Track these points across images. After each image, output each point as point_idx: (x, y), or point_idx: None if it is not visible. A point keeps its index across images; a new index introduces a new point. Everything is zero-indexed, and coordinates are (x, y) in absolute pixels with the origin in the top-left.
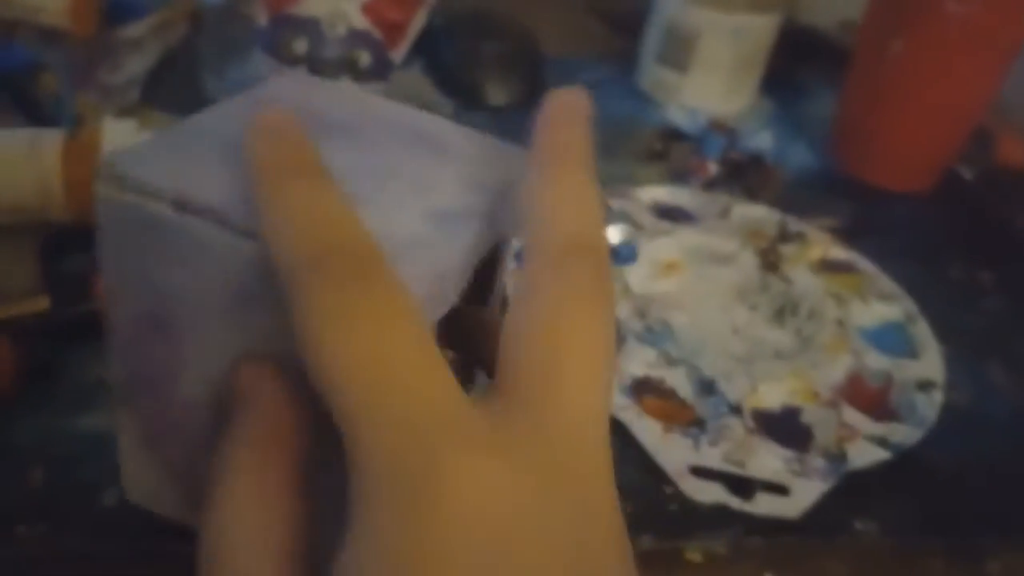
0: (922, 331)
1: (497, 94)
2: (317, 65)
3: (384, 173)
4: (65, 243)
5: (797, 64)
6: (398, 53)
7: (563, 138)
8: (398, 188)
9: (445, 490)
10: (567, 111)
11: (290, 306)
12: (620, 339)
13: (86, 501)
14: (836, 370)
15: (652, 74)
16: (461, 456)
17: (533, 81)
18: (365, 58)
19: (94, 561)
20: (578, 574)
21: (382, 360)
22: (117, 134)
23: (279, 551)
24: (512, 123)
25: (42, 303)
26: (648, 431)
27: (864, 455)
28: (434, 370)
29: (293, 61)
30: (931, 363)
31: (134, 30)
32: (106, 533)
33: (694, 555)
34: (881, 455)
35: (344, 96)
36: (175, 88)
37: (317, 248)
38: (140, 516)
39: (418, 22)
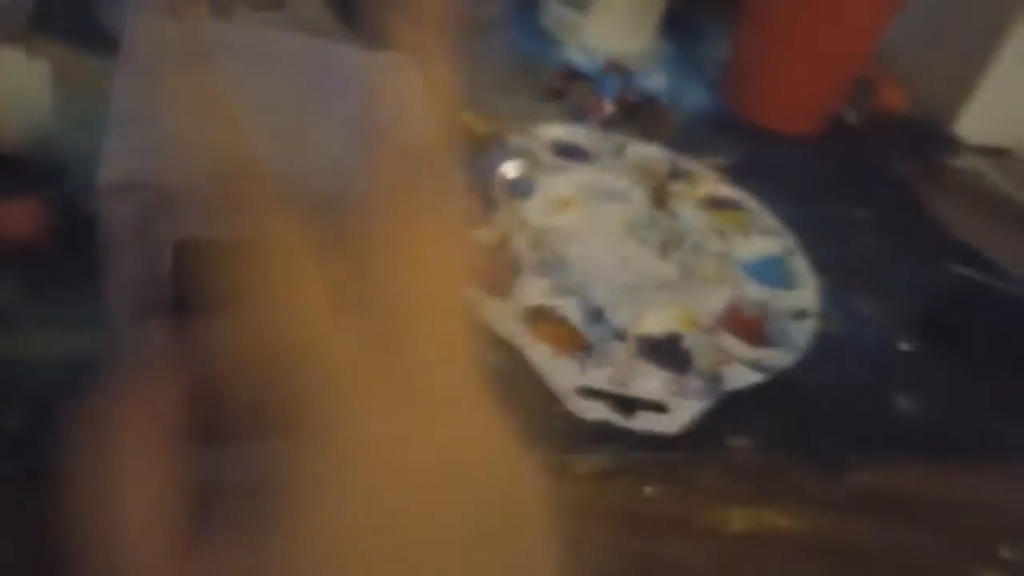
0: (799, 265)
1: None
2: None
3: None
4: None
5: (696, 6)
6: None
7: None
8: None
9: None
10: None
11: None
12: (517, 269)
13: None
14: (716, 300)
15: (554, 12)
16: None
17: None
18: None
19: None
20: (452, 492)
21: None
22: (5, 63)
23: (155, 499)
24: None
25: None
26: (540, 355)
27: (739, 377)
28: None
29: None
30: (806, 294)
31: None
32: (5, 457)
33: (580, 468)
34: (754, 378)
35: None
36: (65, 16)
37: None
38: (41, 441)
39: None
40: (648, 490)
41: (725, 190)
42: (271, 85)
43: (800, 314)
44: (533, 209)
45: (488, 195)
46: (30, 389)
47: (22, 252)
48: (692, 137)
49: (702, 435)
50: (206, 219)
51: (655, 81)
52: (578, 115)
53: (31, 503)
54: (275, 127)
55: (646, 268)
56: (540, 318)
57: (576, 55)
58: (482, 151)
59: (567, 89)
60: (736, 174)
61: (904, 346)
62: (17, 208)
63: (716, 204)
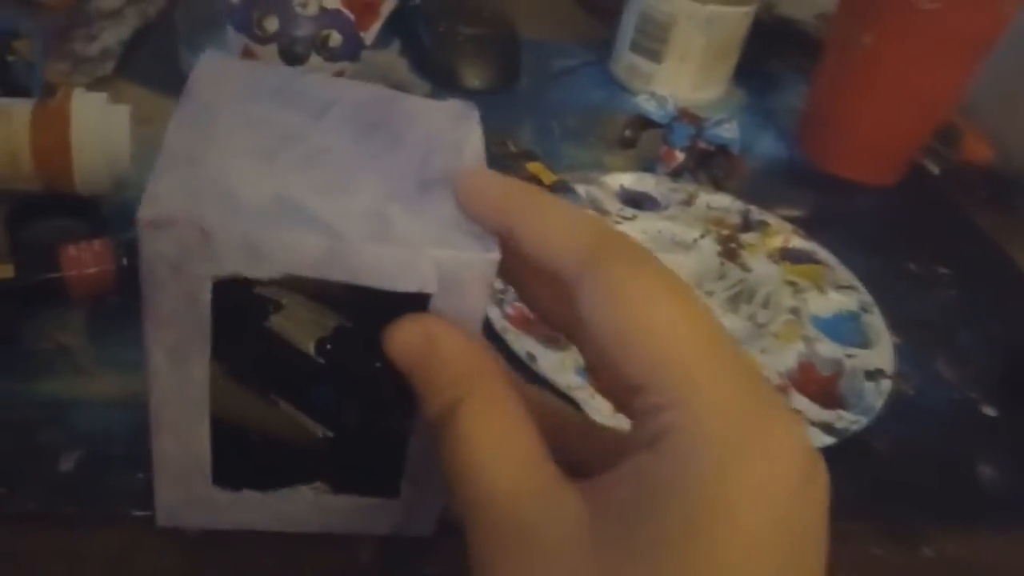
0: (876, 322)
1: (473, 77)
2: (287, 43)
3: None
4: (31, 211)
5: (771, 55)
6: (369, 34)
7: (506, 183)
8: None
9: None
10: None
11: (581, 293)
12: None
13: (44, 466)
14: (787, 357)
15: (626, 61)
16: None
17: (509, 65)
18: (336, 38)
19: (51, 524)
20: None
21: (707, 334)
22: (86, 104)
23: (533, 458)
24: (488, 106)
25: (7, 270)
26: (601, 411)
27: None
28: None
29: (264, 39)
30: (882, 353)
31: (111, 2)
32: (63, 497)
33: None
34: (826, 440)
35: (273, 75)
36: (150, 62)
37: (597, 239)
38: (97, 482)
39: (390, 3)
40: None
41: (799, 242)
42: (327, 130)
43: (875, 374)
44: None
45: None
46: (88, 430)
47: (89, 293)
48: (765, 187)
49: None
50: (246, 259)
51: (727, 130)
52: (648, 164)
53: (86, 544)
54: (322, 170)
55: None
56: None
57: (646, 104)
58: None
59: (637, 138)
60: (810, 226)
61: (987, 410)
62: (87, 249)
63: (790, 257)
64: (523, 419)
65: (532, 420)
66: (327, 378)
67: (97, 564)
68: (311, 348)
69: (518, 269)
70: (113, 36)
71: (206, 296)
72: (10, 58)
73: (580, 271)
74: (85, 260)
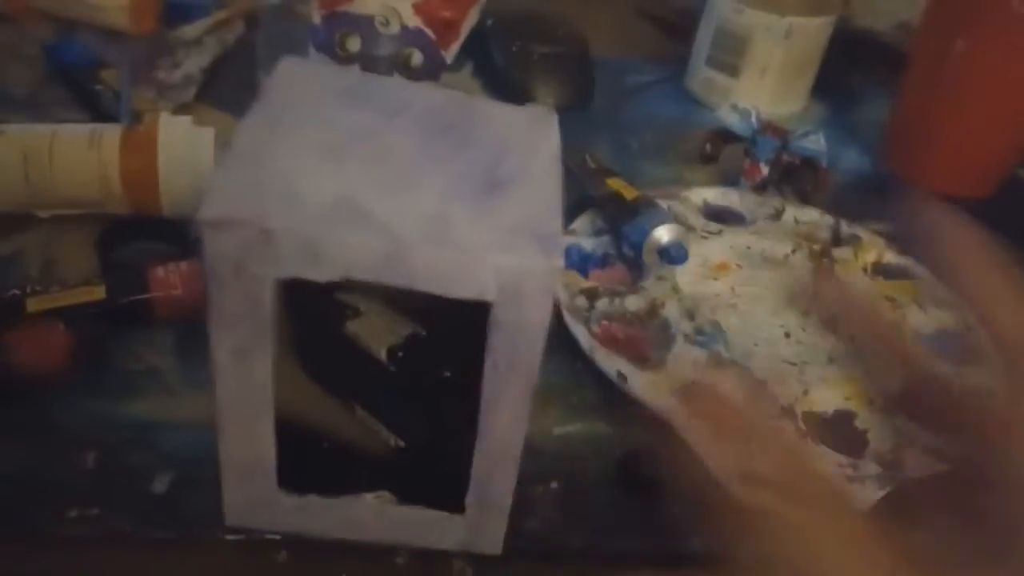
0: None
1: (547, 96)
2: (370, 63)
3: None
4: (121, 234)
5: (851, 67)
6: (450, 52)
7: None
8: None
9: None
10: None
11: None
12: (670, 339)
13: (136, 487)
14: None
15: (702, 76)
16: None
17: (583, 83)
18: (417, 57)
19: (143, 546)
20: None
21: None
22: (172, 129)
23: None
24: (563, 124)
25: (98, 292)
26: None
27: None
28: None
29: (347, 59)
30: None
31: (192, 30)
32: (155, 519)
33: (744, 560)
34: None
35: (352, 78)
36: (231, 86)
37: None
38: (188, 504)
39: (470, 21)
40: None
41: (893, 257)
42: (398, 130)
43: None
44: (686, 275)
45: (638, 261)
46: (178, 452)
47: (178, 314)
48: (852, 201)
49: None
50: (307, 260)
51: (813, 143)
52: (730, 178)
53: (178, 567)
54: (388, 169)
55: (812, 340)
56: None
57: (728, 117)
58: (632, 217)
59: (718, 152)
60: (900, 241)
61: None
62: (176, 270)
63: (885, 272)
64: None
65: None
66: (398, 386)
67: None
68: (383, 355)
69: None
70: (194, 63)
71: (268, 297)
72: (98, 87)
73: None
74: (173, 281)
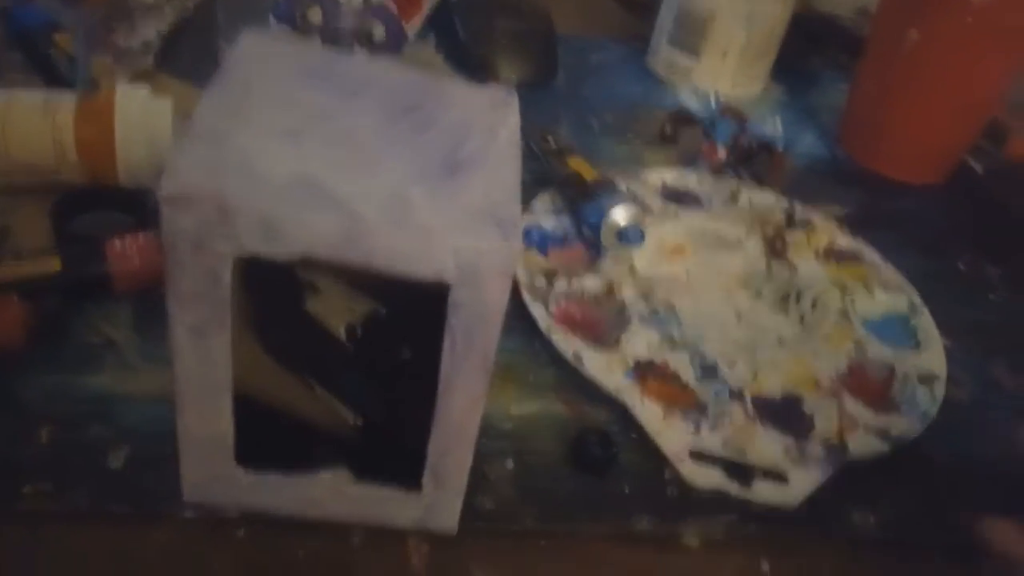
0: (926, 323)
1: (510, 71)
2: (331, 36)
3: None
4: (77, 204)
5: (810, 51)
6: (412, 26)
7: None
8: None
9: None
10: None
11: None
12: (625, 320)
13: (92, 462)
14: (838, 360)
15: (664, 56)
16: None
17: (546, 60)
18: (379, 30)
19: (99, 521)
20: None
21: None
22: (130, 99)
23: None
24: (525, 101)
25: (53, 264)
26: (649, 414)
27: (864, 446)
28: None
29: (308, 31)
30: (934, 356)
31: None
32: (112, 494)
33: (691, 540)
34: (881, 447)
35: (314, 56)
36: (190, 54)
37: None
38: (146, 480)
39: None
40: (765, 566)
41: (845, 241)
42: (359, 110)
43: (928, 378)
44: (642, 257)
45: (597, 242)
46: (135, 427)
47: (136, 287)
48: (807, 185)
49: (823, 508)
50: (265, 238)
51: (770, 127)
52: (688, 160)
53: (135, 542)
54: (348, 150)
55: (763, 322)
56: (649, 373)
57: (688, 99)
58: (591, 196)
59: (678, 133)
60: (855, 224)
61: None
62: (133, 243)
63: (836, 256)
64: None
65: None
66: (356, 364)
67: (146, 561)
68: (342, 332)
69: None
70: (153, 29)
71: (227, 275)
72: (52, 52)
73: None
74: (130, 254)
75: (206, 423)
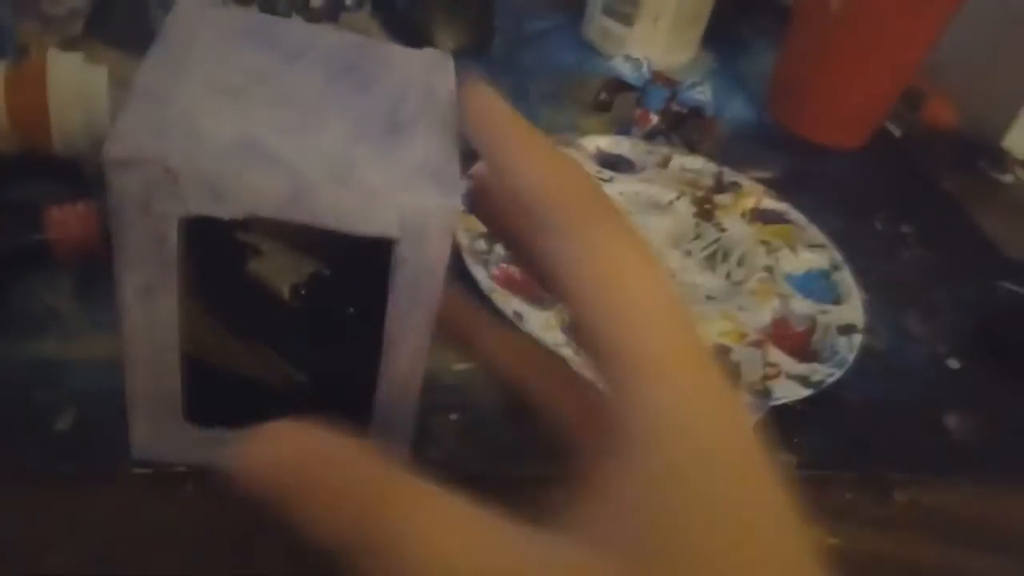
0: (846, 279)
1: (446, 39)
2: (269, 4)
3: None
4: (10, 173)
5: (739, 20)
6: None
7: (503, 113)
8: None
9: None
10: (491, 98)
11: (562, 244)
12: None
13: (40, 425)
14: (763, 313)
15: (598, 24)
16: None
17: (483, 27)
18: None
19: (50, 481)
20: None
21: (679, 320)
22: (63, 65)
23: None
24: (462, 68)
25: None
26: (585, 366)
27: (787, 392)
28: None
29: None
30: (853, 309)
31: None
32: (61, 456)
33: None
34: (803, 393)
35: (249, 19)
36: (120, 21)
37: (586, 192)
38: (93, 440)
39: None
40: None
41: (771, 203)
42: (299, 71)
43: (847, 329)
44: None
45: None
46: (81, 390)
47: (76, 255)
48: (736, 150)
49: None
50: (211, 198)
51: (701, 93)
52: (623, 127)
53: (85, 501)
54: (290, 110)
55: (692, 280)
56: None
57: (622, 67)
58: None
59: (612, 100)
60: (781, 187)
61: (953, 363)
62: (72, 211)
63: (762, 217)
64: (453, 500)
65: (473, 503)
66: (301, 323)
67: (97, 520)
68: (286, 292)
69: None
70: None
71: (173, 236)
72: None
73: (564, 222)
74: (70, 222)
75: (154, 382)
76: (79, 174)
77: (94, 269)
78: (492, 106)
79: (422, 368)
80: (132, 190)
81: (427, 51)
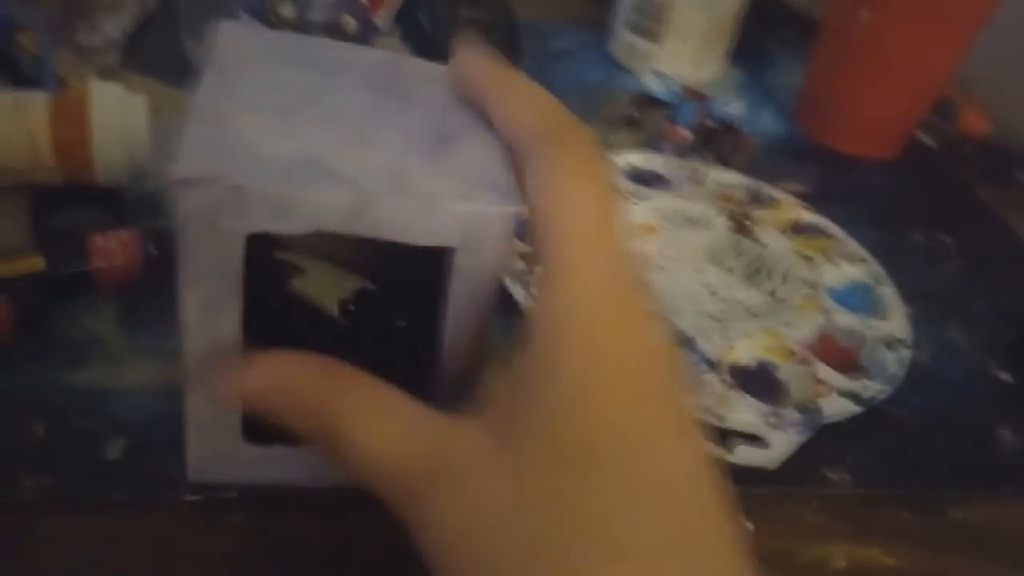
0: (888, 292)
1: None
2: (303, 29)
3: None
4: (55, 203)
5: (765, 34)
6: (383, 18)
7: (487, 66)
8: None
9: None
10: (476, 54)
11: (529, 171)
12: None
13: (88, 453)
14: (808, 329)
15: (625, 41)
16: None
17: (509, 47)
18: (351, 23)
19: (98, 511)
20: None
21: (597, 209)
22: (104, 96)
23: (396, 427)
24: None
25: (37, 262)
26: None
27: (837, 409)
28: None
29: (280, 24)
30: (897, 323)
31: None
32: (110, 484)
33: None
34: (853, 409)
35: (293, 42)
36: (155, 50)
37: (558, 125)
38: (142, 468)
39: None
40: (750, 525)
41: (808, 216)
42: (344, 89)
43: (894, 343)
44: None
45: None
46: (129, 418)
47: (118, 282)
48: (768, 164)
49: (800, 469)
50: (277, 215)
51: (732, 107)
52: (653, 142)
53: (135, 529)
54: (341, 128)
55: (734, 296)
56: None
57: (651, 82)
58: None
59: (642, 116)
60: (814, 200)
61: (1000, 375)
62: (115, 239)
63: (801, 231)
64: (390, 395)
65: (397, 392)
66: (349, 340)
67: (145, 549)
68: (334, 309)
69: None
70: (115, 26)
71: (238, 252)
72: (14, 50)
73: (528, 148)
74: (113, 250)
75: (214, 401)
76: (120, 202)
77: (136, 296)
78: (476, 63)
79: (479, 375)
80: (199, 209)
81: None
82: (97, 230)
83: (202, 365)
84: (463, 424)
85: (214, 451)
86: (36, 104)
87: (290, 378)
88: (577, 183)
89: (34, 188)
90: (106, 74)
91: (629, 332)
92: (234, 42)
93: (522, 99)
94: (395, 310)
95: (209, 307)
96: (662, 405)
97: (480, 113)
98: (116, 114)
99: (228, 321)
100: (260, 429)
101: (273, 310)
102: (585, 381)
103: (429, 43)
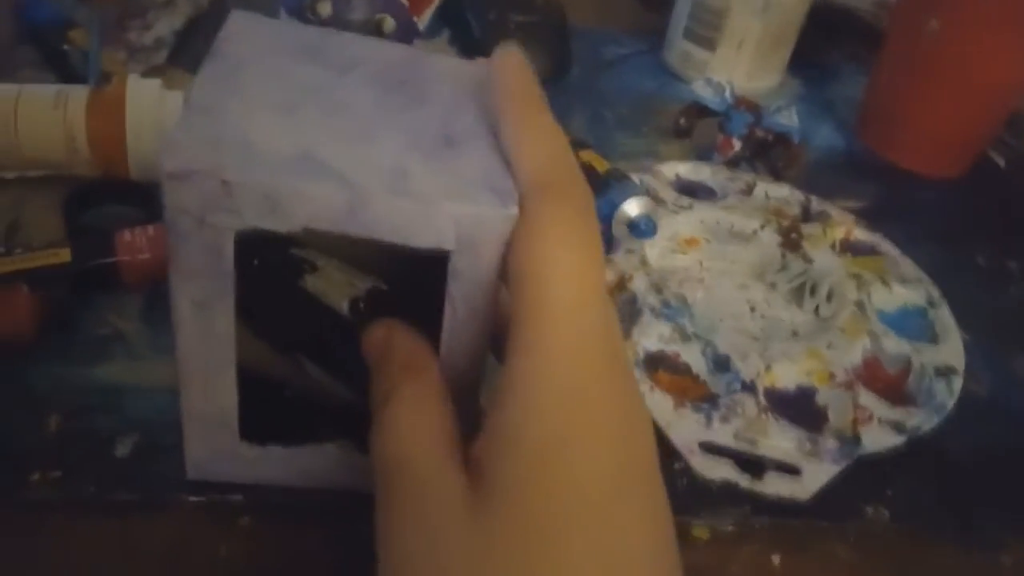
0: (944, 317)
1: None
2: (342, 28)
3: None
4: (88, 197)
5: (827, 43)
6: (423, 19)
7: (520, 85)
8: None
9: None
10: (515, 65)
11: (520, 220)
12: (636, 312)
13: (100, 450)
14: (853, 352)
15: (679, 49)
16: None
17: (560, 54)
18: (390, 23)
19: (107, 509)
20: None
21: (584, 276)
22: (141, 91)
23: (437, 438)
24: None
25: (63, 255)
26: (659, 405)
27: (878, 439)
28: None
29: (318, 24)
30: (952, 350)
31: None
32: (119, 482)
33: (701, 532)
34: (895, 440)
35: (300, 32)
36: (203, 51)
37: (559, 176)
38: (152, 468)
39: None
40: (777, 560)
41: (862, 234)
42: (351, 85)
43: (946, 371)
44: (655, 249)
45: (607, 234)
46: (142, 416)
47: (145, 278)
48: (824, 178)
49: (837, 501)
50: (267, 211)
51: (786, 119)
52: (703, 153)
53: (140, 530)
54: (343, 124)
55: (777, 315)
56: (660, 365)
57: (703, 91)
58: (603, 189)
59: (693, 126)
60: (872, 217)
61: None
62: (143, 234)
63: (853, 249)
64: (440, 412)
65: (449, 414)
66: (357, 339)
67: (151, 550)
68: (345, 307)
69: None
70: (166, 26)
71: (229, 249)
72: (65, 47)
73: (523, 192)
74: (140, 245)
75: (210, 399)
76: (153, 198)
77: (162, 293)
78: (511, 73)
79: (480, 378)
80: (187, 203)
81: (482, 63)
82: (126, 225)
83: (195, 362)
84: (459, 469)
85: (213, 449)
86: (76, 99)
87: (390, 342)
88: (564, 247)
89: (69, 182)
90: (153, 72)
91: (606, 402)
92: (243, 32)
93: (534, 136)
94: (406, 311)
95: (202, 303)
96: (634, 478)
97: (491, 117)
98: (152, 110)
99: (221, 317)
100: (255, 428)
101: (282, 306)
102: (558, 448)
103: (477, 47)
